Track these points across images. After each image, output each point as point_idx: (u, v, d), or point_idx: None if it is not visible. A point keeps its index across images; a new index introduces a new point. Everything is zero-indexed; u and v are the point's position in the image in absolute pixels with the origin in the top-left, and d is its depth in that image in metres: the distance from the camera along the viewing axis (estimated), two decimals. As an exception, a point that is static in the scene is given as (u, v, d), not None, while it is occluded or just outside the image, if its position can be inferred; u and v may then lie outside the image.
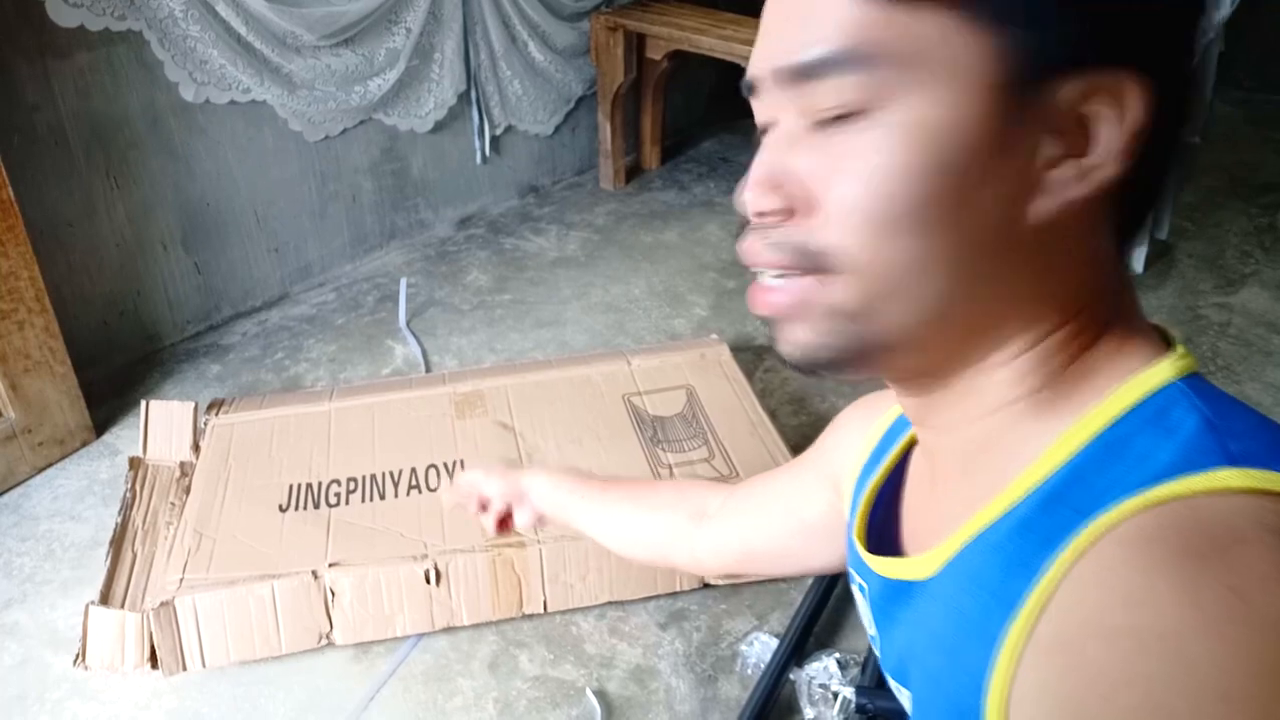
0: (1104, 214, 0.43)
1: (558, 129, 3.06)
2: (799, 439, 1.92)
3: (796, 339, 0.46)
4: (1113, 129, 0.40)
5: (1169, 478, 0.38)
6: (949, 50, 0.39)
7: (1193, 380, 0.43)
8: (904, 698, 0.55)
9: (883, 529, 0.60)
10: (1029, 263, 0.42)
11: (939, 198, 0.40)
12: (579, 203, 3.05)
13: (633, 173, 3.24)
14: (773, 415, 1.83)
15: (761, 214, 0.44)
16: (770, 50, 0.44)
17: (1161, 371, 0.43)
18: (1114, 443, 0.42)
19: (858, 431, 0.67)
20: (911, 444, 0.61)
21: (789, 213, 0.43)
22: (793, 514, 0.74)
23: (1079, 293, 0.44)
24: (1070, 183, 0.40)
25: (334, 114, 2.38)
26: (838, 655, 1.45)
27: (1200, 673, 0.32)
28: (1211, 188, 3.11)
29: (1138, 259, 2.60)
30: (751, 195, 0.44)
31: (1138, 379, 0.43)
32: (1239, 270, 2.65)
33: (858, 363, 0.45)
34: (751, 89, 0.46)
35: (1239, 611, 0.33)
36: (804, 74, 0.41)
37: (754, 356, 2.22)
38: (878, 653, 0.60)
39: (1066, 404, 0.44)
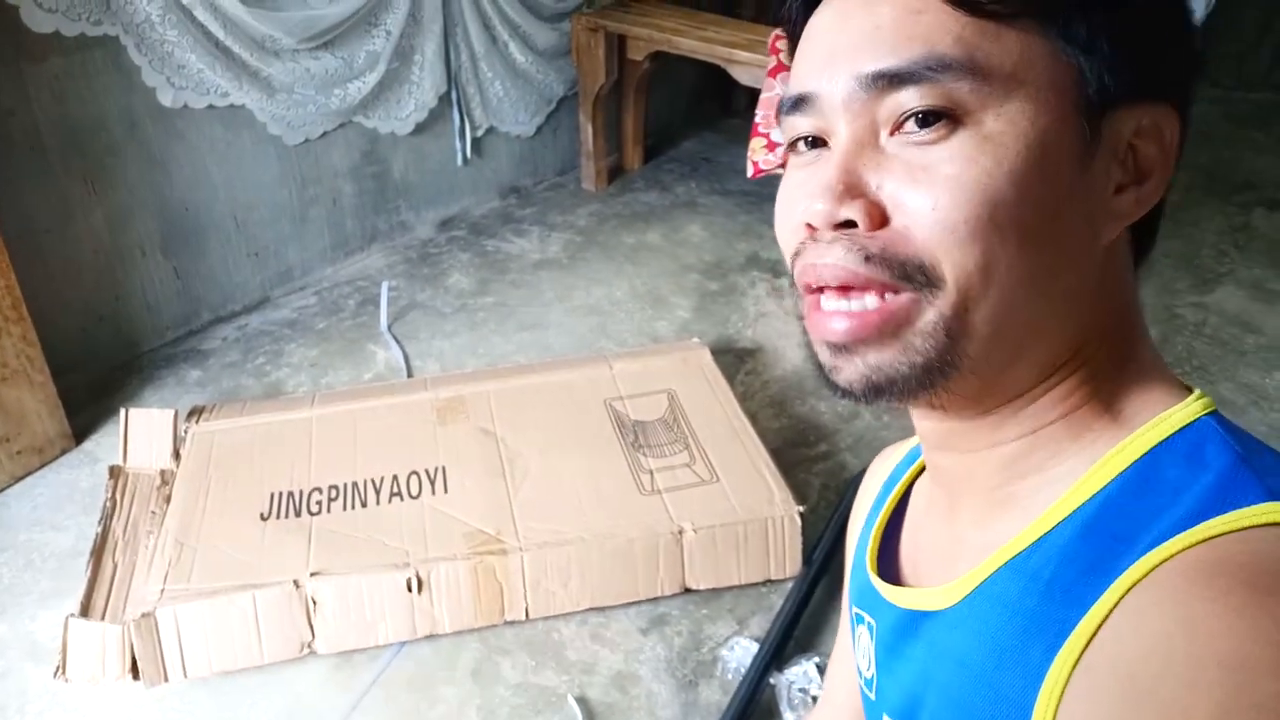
0: (1129, 243, 0.47)
1: (539, 130, 3.05)
2: (779, 442, 1.93)
3: (874, 361, 0.44)
4: (1159, 158, 0.44)
5: (1217, 512, 0.39)
6: (1044, 72, 0.41)
7: (1218, 417, 0.45)
8: None
9: (886, 562, 0.60)
10: (1099, 284, 0.45)
11: (1039, 206, 0.41)
12: (561, 204, 3.05)
13: (614, 173, 3.24)
14: (753, 419, 1.84)
15: (844, 224, 0.43)
16: (855, 57, 0.43)
17: (1192, 406, 0.45)
18: (1149, 474, 0.43)
19: (864, 495, 0.68)
20: (914, 479, 0.61)
21: (874, 222, 0.43)
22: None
23: (1117, 320, 0.47)
24: (1130, 208, 0.44)
25: (313, 117, 2.37)
26: (817, 660, 1.47)
27: (1269, 711, 0.32)
28: (1188, 186, 3.14)
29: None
30: (833, 205, 0.43)
31: (1171, 413, 0.45)
32: (1214, 269, 2.68)
33: (929, 384, 0.44)
34: (801, 102, 0.46)
35: None
36: (904, 78, 0.42)
37: (735, 359, 2.23)
38: (870, 695, 0.59)
39: (1100, 434, 0.46)
